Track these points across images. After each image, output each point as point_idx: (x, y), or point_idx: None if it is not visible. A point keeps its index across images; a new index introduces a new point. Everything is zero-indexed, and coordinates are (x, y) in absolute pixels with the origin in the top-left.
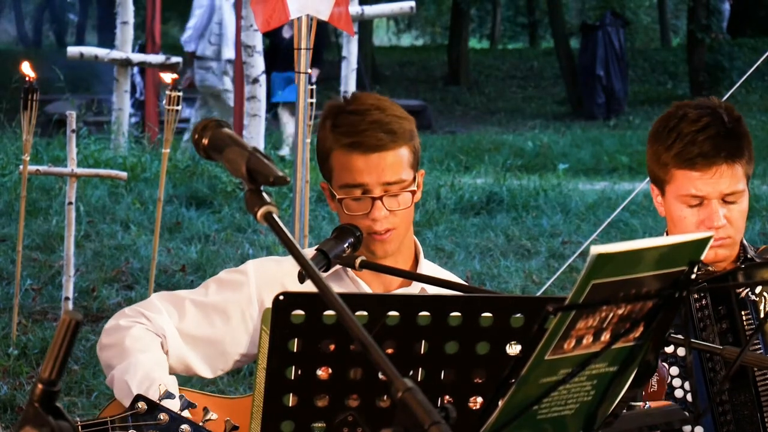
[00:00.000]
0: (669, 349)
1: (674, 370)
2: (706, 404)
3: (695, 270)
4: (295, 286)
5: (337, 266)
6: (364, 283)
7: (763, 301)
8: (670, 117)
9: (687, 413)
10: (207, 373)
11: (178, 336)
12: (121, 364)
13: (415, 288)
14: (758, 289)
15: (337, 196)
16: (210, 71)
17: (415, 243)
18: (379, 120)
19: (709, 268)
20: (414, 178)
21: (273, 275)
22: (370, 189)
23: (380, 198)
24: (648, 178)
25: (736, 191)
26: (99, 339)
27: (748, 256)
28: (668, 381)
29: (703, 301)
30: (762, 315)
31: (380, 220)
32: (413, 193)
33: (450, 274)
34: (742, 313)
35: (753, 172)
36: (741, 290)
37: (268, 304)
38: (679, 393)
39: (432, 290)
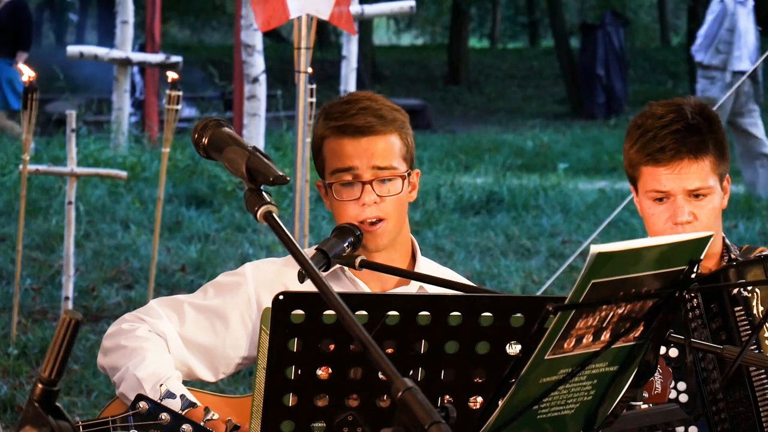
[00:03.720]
0: (660, 350)
1: None
2: (700, 403)
3: (695, 269)
4: (294, 287)
5: (336, 266)
6: (362, 283)
7: (756, 297)
8: (641, 115)
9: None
10: (209, 376)
11: (180, 340)
12: (130, 362)
13: (413, 287)
14: (749, 286)
15: (327, 182)
16: (713, 82)
17: (411, 241)
18: (369, 106)
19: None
20: (408, 174)
21: (271, 277)
22: (360, 173)
23: (370, 182)
24: None
25: (703, 187)
26: (101, 346)
27: (732, 256)
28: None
29: (694, 301)
30: (754, 312)
31: (370, 206)
32: (404, 178)
33: (449, 271)
34: (735, 310)
35: (728, 170)
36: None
37: (267, 306)
38: (672, 394)
39: (431, 289)
